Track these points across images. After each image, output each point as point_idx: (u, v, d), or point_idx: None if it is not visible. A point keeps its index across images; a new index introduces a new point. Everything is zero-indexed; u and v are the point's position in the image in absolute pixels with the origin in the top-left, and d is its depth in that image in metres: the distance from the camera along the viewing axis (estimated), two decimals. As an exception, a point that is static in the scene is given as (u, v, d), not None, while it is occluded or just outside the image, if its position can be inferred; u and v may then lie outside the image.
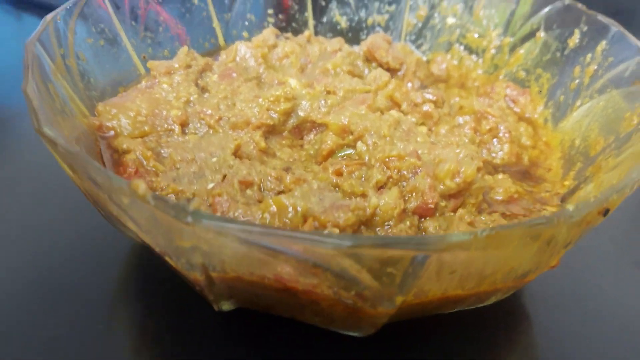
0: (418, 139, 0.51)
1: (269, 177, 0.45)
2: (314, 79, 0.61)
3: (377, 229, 0.42)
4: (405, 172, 0.47)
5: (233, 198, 0.42)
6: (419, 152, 0.49)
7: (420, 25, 0.73)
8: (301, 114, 0.55)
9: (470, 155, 0.46)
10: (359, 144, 0.50)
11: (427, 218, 0.44)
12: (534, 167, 0.56)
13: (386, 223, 0.42)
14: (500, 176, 0.52)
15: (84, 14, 0.54)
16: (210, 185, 0.44)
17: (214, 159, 0.47)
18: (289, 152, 0.53)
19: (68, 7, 0.52)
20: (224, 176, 0.45)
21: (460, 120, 0.57)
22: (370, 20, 0.75)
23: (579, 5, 0.59)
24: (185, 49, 0.63)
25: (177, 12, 0.66)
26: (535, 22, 0.63)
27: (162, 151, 0.51)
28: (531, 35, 0.64)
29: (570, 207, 0.31)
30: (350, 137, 0.51)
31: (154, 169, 0.47)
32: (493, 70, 0.68)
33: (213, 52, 0.70)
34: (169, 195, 0.44)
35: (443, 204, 0.45)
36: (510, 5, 0.65)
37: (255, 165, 0.46)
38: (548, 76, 0.61)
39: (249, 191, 0.44)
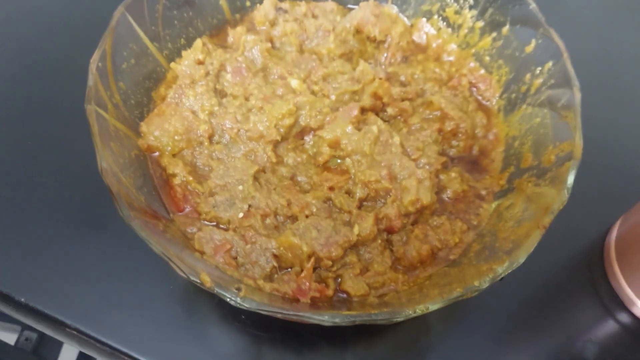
0: (392, 149, 0.67)
1: (282, 207, 0.62)
2: (311, 69, 0.74)
3: (359, 248, 0.62)
4: (380, 192, 0.64)
5: (257, 231, 0.61)
6: (392, 165, 0.66)
7: (406, -8, 0.81)
8: (302, 123, 0.69)
9: (428, 187, 0.63)
10: (347, 160, 0.66)
11: (394, 234, 0.63)
12: (482, 156, 0.72)
13: (363, 244, 0.62)
14: (453, 174, 0.68)
15: (115, 46, 0.64)
16: (240, 215, 0.62)
17: (240, 187, 0.63)
18: (293, 156, 0.69)
19: (101, 52, 0.62)
20: (249, 206, 0.62)
21: (430, 115, 0.72)
22: (360, -16, 0.82)
23: (540, 15, 0.68)
24: (199, 44, 0.73)
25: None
26: (503, 16, 0.72)
27: (198, 163, 0.67)
28: (499, 25, 0.73)
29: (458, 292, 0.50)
30: (341, 152, 0.67)
31: (196, 190, 0.64)
32: (465, 47, 0.78)
33: (220, 27, 0.79)
34: (210, 219, 0.63)
35: (405, 220, 0.63)
36: (486, -8, 0.73)
37: (271, 195, 0.63)
38: (507, 70, 0.73)
39: (268, 220, 0.62)
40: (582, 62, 0.69)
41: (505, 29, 0.72)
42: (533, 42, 0.69)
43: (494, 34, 0.74)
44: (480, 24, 0.75)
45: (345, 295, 0.60)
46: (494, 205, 0.68)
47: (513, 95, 0.72)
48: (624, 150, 0.81)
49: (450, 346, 0.65)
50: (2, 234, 0.69)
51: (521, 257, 0.53)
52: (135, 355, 0.62)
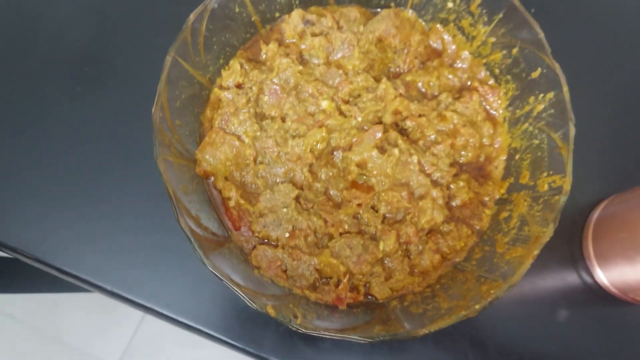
0: (411, 167, 0.79)
1: (320, 227, 0.76)
2: (338, 85, 0.82)
3: (383, 259, 0.76)
4: (400, 209, 0.77)
5: (301, 250, 0.75)
6: (411, 182, 0.78)
7: (425, 1, 0.85)
8: (332, 144, 0.80)
9: (442, 205, 0.76)
10: (372, 179, 0.78)
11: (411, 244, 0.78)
12: (487, 162, 0.84)
13: (387, 256, 0.76)
14: (461, 183, 0.81)
15: (169, 90, 0.73)
16: (286, 235, 0.75)
17: (285, 210, 0.76)
18: (325, 171, 0.80)
19: (159, 103, 0.71)
20: (293, 227, 0.76)
21: (443, 127, 0.82)
22: (382, -11, 0.86)
23: (547, 47, 0.75)
24: (237, 67, 0.81)
25: (222, 24, 0.79)
26: (514, 38, 0.79)
27: (246, 181, 0.79)
28: (509, 46, 0.80)
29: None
30: (367, 172, 0.79)
31: (248, 209, 0.77)
32: (477, 55, 0.85)
33: (254, 40, 0.86)
34: (262, 237, 0.76)
35: (421, 234, 0.77)
36: (499, 14, 0.79)
37: (311, 217, 0.76)
38: (513, 86, 0.82)
39: (309, 238, 0.76)
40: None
41: (515, 50, 0.80)
42: (539, 70, 0.77)
43: (505, 52, 0.81)
44: (493, 39, 0.82)
45: (372, 298, 0.76)
46: (494, 210, 0.81)
47: (517, 111, 0.81)
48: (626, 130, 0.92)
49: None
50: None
51: (515, 281, 0.68)
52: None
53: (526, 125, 0.80)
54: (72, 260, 0.83)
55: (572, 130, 0.72)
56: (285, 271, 0.75)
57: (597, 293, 0.85)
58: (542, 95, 0.77)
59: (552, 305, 0.84)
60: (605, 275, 0.83)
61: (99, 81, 0.92)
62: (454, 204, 0.81)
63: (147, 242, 0.83)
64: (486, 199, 0.82)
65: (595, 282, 0.85)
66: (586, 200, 0.89)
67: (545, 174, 0.75)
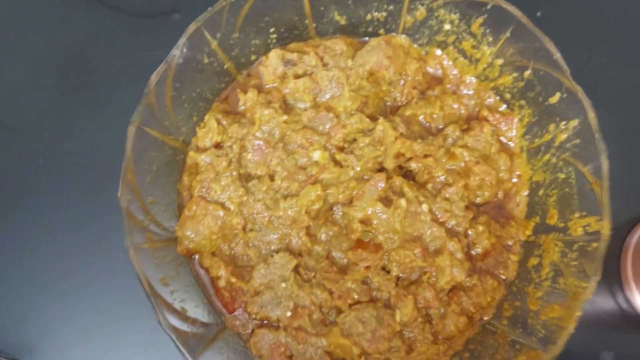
0: (422, 217, 0.69)
1: (325, 300, 0.66)
2: (329, 131, 0.72)
3: (404, 332, 0.66)
4: (415, 268, 0.68)
5: (306, 331, 0.65)
6: (423, 235, 0.68)
7: (418, 23, 0.75)
8: (330, 200, 0.70)
9: (461, 259, 0.66)
10: (380, 236, 0.69)
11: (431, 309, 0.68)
12: (507, 199, 0.74)
13: (405, 326, 0.66)
14: (480, 228, 0.71)
15: (136, 166, 0.63)
16: (288, 314, 0.66)
17: (283, 285, 0.66)
18: (325, 230, 0.70)
19: (125, 184, 0.61)
20: (294, 305, 0.66)
21: (453, 166, 0.72)
22: (369, 17, 0.75)
23: (565, 68, 0.65)
24: (214, 124, 0.71)
25: (190, 78, 0.69)
26: (525, 59, 0.69)
27: (236, 254, 0.70)
28: (520, 67, 0.70)
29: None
30: (372, 230, 0.69)
31: (241, 287, 0.68)
32: (484, 79, 0.75)
33: (230, 89, 0.76)
34: (260, 319, 0.67)
35: (441, 295, 0.68)
36: (505, 33, 0.69)
37: (313, 290, 0.66)
38: (529, 112, 0.71)
39: (315, 315, 0.66)
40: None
41: (527, 73, 0.69)
42: (557, 95, 0.66)
43: (515, 74, 0.71)
44: (500, 61, 0.72)
45: (394, 375, 0.66)
46: (520, 255, 0.71)
47: (536, 140, 0.71)
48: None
49: None
50: None
51: (557, 353, 0.58)
52: None
53: (548, 156, 0.70)
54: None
55: (606, 164, 0.62)
56: (290, 357, 0.65)
57: (635, 321, 0.75)
58: (564, 122, 0.67)
59: (588, 333, 0.74)
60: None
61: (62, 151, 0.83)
62: (474, 252, 0.71)
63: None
64: (510, 242, 0.72)
65: (634, 308, 0.75)
66: (622, 220, 0.79)
67: (577, 215, 0.65)
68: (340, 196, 0.70)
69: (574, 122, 0.65)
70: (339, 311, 0.67)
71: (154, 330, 0.64)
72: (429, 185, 0.72)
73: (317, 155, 0.71)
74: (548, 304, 0.63)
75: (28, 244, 0.80)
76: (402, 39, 0.78)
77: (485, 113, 0.74)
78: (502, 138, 0.74)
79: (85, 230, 0.79)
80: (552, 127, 0.68)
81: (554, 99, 0.67)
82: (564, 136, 0.67)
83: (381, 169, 0.72)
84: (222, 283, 0.68)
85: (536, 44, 0.66)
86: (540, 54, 0.67)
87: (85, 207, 0.80)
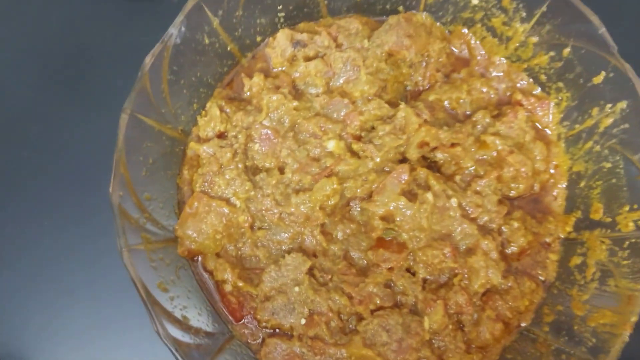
0: (451, 212, 0.62)
1: (344, 306, 0.59)
2: (345, 118, 0.65)
3: (433, 341, 0.59)
4: (444, 270, 0.60)
5: (324, 341, 0.58)
6: (453, 233, 0.61)
7: (441, -1, 0.68)
8: (347, 195, 0.63)
9: (496, 259, 0.59)
10: (404, 234, 0.61)
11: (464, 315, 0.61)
12: (543, 192, 0.67)
13: (435, 334, 0.59)
14: (515, 224, 0.63)
15: (129, 157, 0.56)
16: (303, 322, 0.59)
17: (297, 289, 0.59)
18: (342, 228, 0.63)
19: (118, 177, 0.54)
20: (310, 311, 0.59)
21: (484, 156, 0.65)
22: (387, -9, 0.68)
23: (612, 44, 0.58)
24: (216, 112, 0.64)
25: (190, 61, 0.62)
26: (564, 36, 0.62)
27: (243, 255, 0.63)
28: (558, 45, 0.63)
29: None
30: (396, 227, 0.62)
31: (249, 293, 0.61)
32: (515, 60, 0.68)
33: (233, 74, 0.69)
34: (271, 327, 0.60)
35: (475, 299, 0.60)
36: (542, 7, 0.62)
37: (330, 294, 0.59)
38: (568, 95, 0.64)
39: (332, 322, 0.59)
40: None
41: (567, 51, 0.62)
42: (602, 74, 0.59)
43: (552, 53, 0.64)
44: (535, 39, 0.65)
45: (423, 390, 0.59)
46: (560, 254, 0.64)
47: (577, 126, 0.64)
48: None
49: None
50: None
51: (610, 364, 0.51)
52: None
53: (590, 143, 0.63)
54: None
55: (661, 152, 0.55)
56: (307, 369, 0.58)
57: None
58: (609, 105, 0.60)
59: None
60: None
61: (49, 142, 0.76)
62: (509, 251, 0.64)
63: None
64: (548, 239, 0.65)
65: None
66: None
67: (627, 208, 0.58)
68: (359, 190, 0.63)
69: (622, 105, 0.58)
70: (360, 318, 0.60)
71: (153, 339, 0.57)
72: (457, 178, 0.65)
73: (331, 145, 0.64)
74: (597, 308, 0.56)
75: (14, 244, 0.73)
76: (424, 17, 0.71)
77: (518, 97, 0.67)
78: (537, 124, 0.67)
79: (77, 230, 0.73)
80: (595, 111, 0.61)
81: (598, 79, 0.60)
82: (609, 121, 0.60)
83: (403, 160, 0.65)
84: (228, 287, 0.61)
85: (577, 18, 0.59)
86: (582, 29, 0.60)
87: (76, 205, 0.73)
